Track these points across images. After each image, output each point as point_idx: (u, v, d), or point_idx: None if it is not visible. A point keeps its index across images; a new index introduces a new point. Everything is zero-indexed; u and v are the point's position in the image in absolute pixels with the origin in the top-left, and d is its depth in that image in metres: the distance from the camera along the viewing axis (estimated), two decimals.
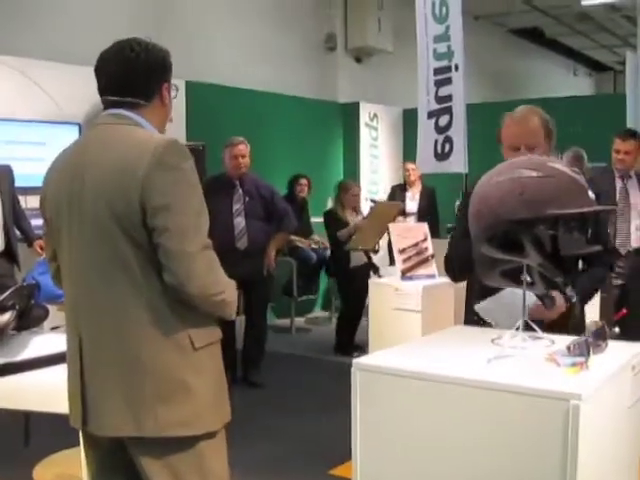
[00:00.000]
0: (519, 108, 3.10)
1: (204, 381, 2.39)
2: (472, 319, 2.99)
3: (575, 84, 19.12)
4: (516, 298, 2.71)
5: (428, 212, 8.79)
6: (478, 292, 2.94)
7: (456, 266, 3.14)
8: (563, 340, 2.47)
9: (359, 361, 2.35)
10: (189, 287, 2.26)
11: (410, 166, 9.05)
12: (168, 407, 2.32)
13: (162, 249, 2.26)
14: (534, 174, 2.21)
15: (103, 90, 2.46)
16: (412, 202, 9.10)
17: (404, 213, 8.98)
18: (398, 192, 9.26)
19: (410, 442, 2.27)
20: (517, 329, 2.49)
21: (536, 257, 2.26)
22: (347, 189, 8.42)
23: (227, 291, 2.37)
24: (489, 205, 2.27)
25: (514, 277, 2.46)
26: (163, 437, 2.33)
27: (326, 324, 9.80)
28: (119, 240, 2.29)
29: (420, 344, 2.68)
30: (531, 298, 2.78)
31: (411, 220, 9.03)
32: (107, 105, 2.45)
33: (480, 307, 3.03)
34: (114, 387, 2.35)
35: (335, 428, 5.18)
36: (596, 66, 20.14)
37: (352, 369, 2.34)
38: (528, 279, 2.44)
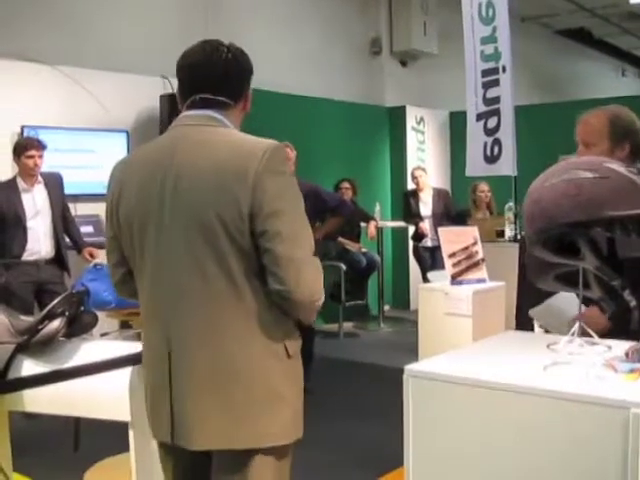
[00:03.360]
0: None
1: (295, 389, 2.38)
2: (524, 324, 2.94)
3: (624, 84, 18.85)
4: (568, 303, 2.71)
5: (443, 214, 9.24)
6: (532, 297, 2.88)
7: None
8: (620, 346, 2.41)
9: (411, 368, 2.31)
10: (297, 293, 2.23)
11: (418, 173, 9.61)
12: (263, 417, 2.29)
13: (271, 254, 2.21)
14: (589, 175, 2.15)
15: (192, 88, 2.39)
16: (425, 206, 9.56)
17: (420, 217, 9.38)
18: (412, 197, 9.66)
19: (463, 450, 2.23)
20: (573, 334, 2.44)
21: (593, 260, 2.20)
22: (475, 189, 8.91)
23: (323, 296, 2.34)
24: (543, 207, 2.22)
25: (569, 280, 2.41)
26: (255, 448, 2.30)
27: (375, 329, 9.75)
28: (222, 243, 2.23)
29: (472, 350, 2.63)
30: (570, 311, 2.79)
31: (427, 223, 9.42)
32: (193, 104, 2.39)
33: (534, 312, 2.99)
34: (206, 397, 2.28)
35: (385, 434, 5.15)
36: None
37: (404, 376, 2.30)
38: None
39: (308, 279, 2.24)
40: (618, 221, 2.17)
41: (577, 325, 2.44)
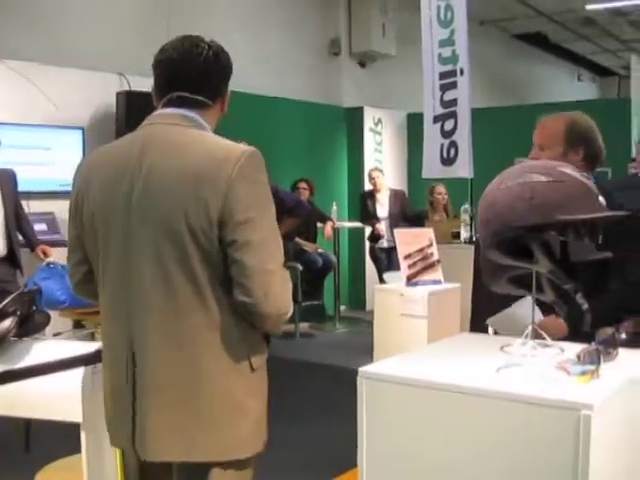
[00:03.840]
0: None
1: (259, 402, 2.33)
2: (478, 326, 2.96)
3: (579, 89, 19.09)
4: (527, 311, 2.70)
5: (399, 215, 9.36)
6: (486, 299, 2.91)
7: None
8: (573, 348, 2.43)
9: (365, 369, 2.31)
10: (264, 306, 2.17)
11: (375, 174, 9.75)
12: (224, 430, 2.24)
13: (239, 264, 2.14)
14: (544, 178, 2.17)
15: (169, 85, 2.30)
16: (382, 207, 9.67)
17: (376, 218, 9.48)
18: (368, 198, 9.77)
19: (416, 451, 2.22)
20: (526, 336, 2.45)
21: (546, 264, 2.22)
22: (432, 191, 9.07)
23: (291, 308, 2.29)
24: (498, 210, 2.23)
25: (522, 283, 2.42)
26: (215, 461, 2.26)
27: (331, 329, 9.75)
28: (189, 249, 2.16)
29: (426, 352, 2.63)
30: (537, 315, 2.82)
31: (383, 224, 9.50)
32: (169, 102, 2.30)
33: (492, 320, 3.02)
34: (167, 408, 2.23)
35: (340, 435, 5.13)
36: (600, 71, 20.11)
37: (358, 377, 2.30)
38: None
39: (276, 292, 2.18)
40: (571, 225, 2.19)
41: (530, 327, 2.46)
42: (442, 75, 7.09)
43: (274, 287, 2.17)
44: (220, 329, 2.20)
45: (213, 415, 2.22)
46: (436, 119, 7.09)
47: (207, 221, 2.13)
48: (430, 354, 2.58)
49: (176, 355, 2.21)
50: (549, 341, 2.48)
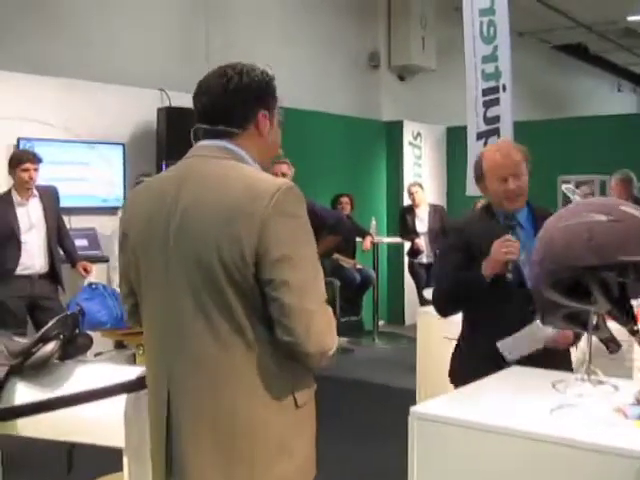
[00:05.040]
0: (499, 143, 3.60)
1: (303, 440, 2.24)
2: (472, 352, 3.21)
3: (620, 100, 18.90)
4: (538, 331, 2.94)
5: (439, 231, 9.15)
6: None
7: (446, 300, 3.30)
8: (626, 385, 2.38)
9: (417, 410, 2.27)
10: (307, 346, 2.08)
11: (414, 189, 9.60)
12: (264, 470, 2.16)
13: (279, 304, 2.06)
14: (603, 218, 2.11)
15: (197, 119, 2.28)
16: (421, 223, 9.54)
17: (416, 233, 9.36)
18: (408, 214, 9.66)
19: None
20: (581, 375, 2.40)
21: (605, 304, 2.16)
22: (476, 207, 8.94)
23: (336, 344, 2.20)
24: (555, 250, 2.18)
25: (577, 320, 2.37)
26: None
27: (369, 345, 9.70)
28: (224, 287, 2.09)
29: (477, 388, 2.57)
30: (548, 330, 2.98)
31: (422, 240, 9.39)
32: (200, 135, 2.28)
33: (502, 344, 3.09)
34: (205, 445, 2.17)
35: (380, 455, 5.10)
36: None
37: (409, 417, 2.25)
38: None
39: (319, 331, 2.09)
40: (631, 265, 2.13)
41: (584, 366, 2.40)
42: (485, 92, 7.00)
43: (316, 326, 2.09)
44: (261, 366, 2.13)
45: (254, 457, 2.15)
46: (479, 136, 7.00)
47: (240, 257, 2.06)
48: (481, 391, 2.53)
49: (214, 396, 2.15)
50: (602, 377, 2.43)
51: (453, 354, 3.43)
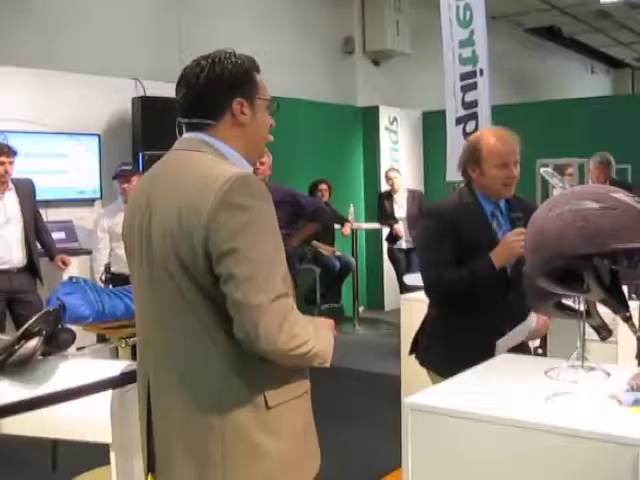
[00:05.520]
0: (496, 130, 3.39)
1: (278, 441, 2.14)
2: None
3: (593, 82, 18.99)
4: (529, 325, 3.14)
5: (418, 216, 9.01)
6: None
7: (451, 295, 3.24)
8: (618, 371, 2.38)
9: (411, 401, 2.25)
10: (259, 343, 1.98)
11: (392, 174, 9.57)
12: (236, 469, 2.11)
13: (229, 299, 2.00)
14: (596, 205, 2.10)
15: (178, 112, 2.25)
16: (400, 208, 9.51)
17: (394, 219, 9.35)
18: (386, 199, 9.62)
19: None
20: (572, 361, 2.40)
21: (598, 292, 2.15)
22: None
23: (311, 342, 2.08)
24: (548, 239, 2.16)
25: (569, 309, 2.37)
26: None
27: (350, 331, 9.70)
28: (185, 285, 2.07)
29: (470, 377, 2.55)
30: (531, 323, 3.19)
31: (401, 225, 9.37)
32: (182, 129, 2.25)
33: (500, 342, 3.12)
34: (179, 441, 2.16)
35: (366, 441, 5.08)
36: (614, 63, 19.98)
37: (402, 408, 2.23)
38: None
39: (270, 327, 1.98)
40: (623, 252, 2.12)
41: (576, 352, 2.40)
42: (463, 76, 6.99)
43: (266, 323, 1.97)
44: (227, 366, 2.09)
45: (224, 453, 2.11)
46: (458, 121, 7.00)
47: (193, 253, 2.03)
48: (473, 381, 2.52)
49: (184, 391, 2.14)
50: (593, 364, 2.42)
51: (432, 338, 3.41)
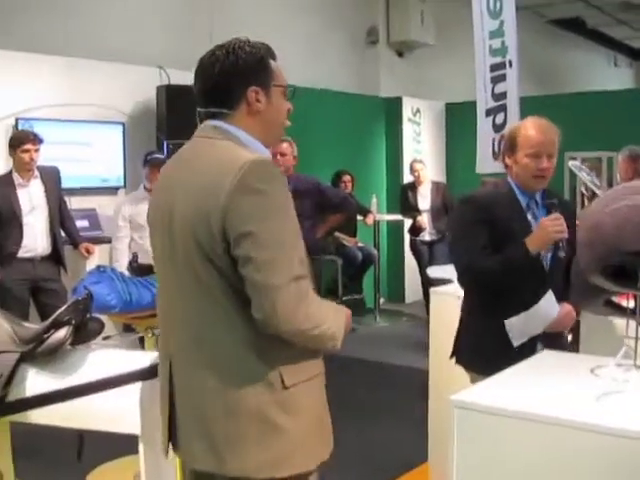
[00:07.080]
0: (536, 119, 3.26)
1: (295, 420, 2.19)
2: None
3: (616, 74, 18.83)
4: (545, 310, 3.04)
5: (442, 208, 9.11)
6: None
7: (483, 282, 3.18)
8: None
9: (459, 398, 2.20)
10: (276, 323, 2.06)
11: (418, 166, 9.41)
12: (253, 447, 2.15)
13: (247, 281, 2.07)
14: None
15: (197, 101, 2.31)
16: (424, 200, 9.36)
17: (418, 211, 9.24)
18: (409, 191, 9.49)
19: None
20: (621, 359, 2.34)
21: None
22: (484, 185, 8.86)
23: (326, 323, 2.15)
24: (604, 234, 2.10)
25: (619, 307, 2.31)
26: (248, 478, 2.18)
27: (371, 323, 9.65)
28: (202, 268, 2.13)
29: (515, 375, 2.50)
30: (553, 313, 3.08)
31: (425, 217, 9.26)
32: (201, 117, 2.30)
33: (509, 322, 3.09)
34: (199, 420, 2.22)
35: (392, 435, 5.02)
36: (637, 56, 19.81)
37: (452, 407, 2.18)
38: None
39: (287, 308, 2.05)
40: None
41: (623, 350, 2.35)
42: (492, 67, 6.94)
43: (282, 304, 2.05)
44: (244, 346, 2.15)
45: (241, 432, 2.16)
46: (488, 112, 6.93)
47: (210, 236, 2.09)
48: (517, 378, 2.46)
49: (204, 371, 2.20)
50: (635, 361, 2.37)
51: (463, 335, 3.36)
